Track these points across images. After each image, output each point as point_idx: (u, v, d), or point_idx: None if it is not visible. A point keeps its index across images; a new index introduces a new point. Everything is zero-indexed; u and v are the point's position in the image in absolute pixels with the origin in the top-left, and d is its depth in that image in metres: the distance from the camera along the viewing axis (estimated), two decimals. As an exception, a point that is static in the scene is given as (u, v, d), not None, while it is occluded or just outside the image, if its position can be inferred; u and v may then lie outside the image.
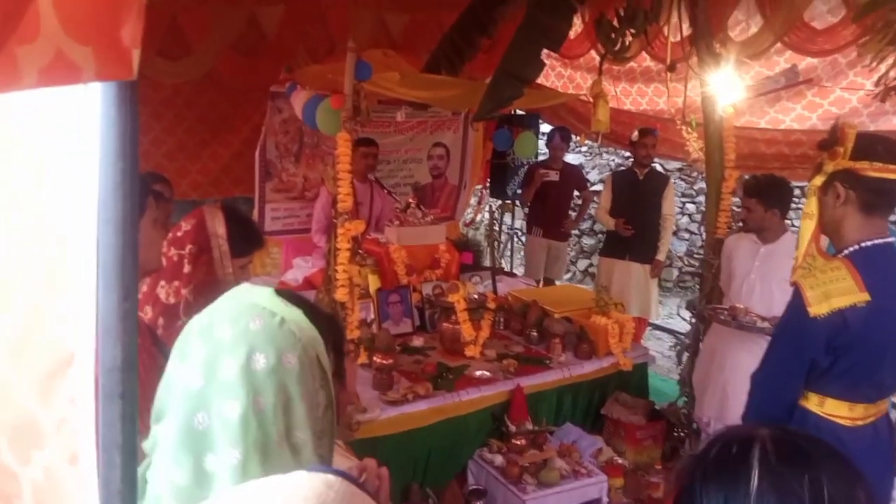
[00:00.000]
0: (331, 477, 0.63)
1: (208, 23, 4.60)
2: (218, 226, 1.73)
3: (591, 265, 8.02)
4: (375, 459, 1.06)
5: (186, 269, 1.64)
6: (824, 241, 1.82)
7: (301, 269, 4.21)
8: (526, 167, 5.85)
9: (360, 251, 3.73)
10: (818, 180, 1.75)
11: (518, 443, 3.20)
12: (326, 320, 0.93)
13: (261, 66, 4.86)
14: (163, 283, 1.64)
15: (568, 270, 7.55)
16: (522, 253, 7.35)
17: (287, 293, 0.90)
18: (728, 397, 3.18)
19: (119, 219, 0.77)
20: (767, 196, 3.11)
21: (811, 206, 1.77)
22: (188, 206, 4.57)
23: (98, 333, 0.80)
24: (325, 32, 5.01)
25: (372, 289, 3.73)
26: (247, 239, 1.80)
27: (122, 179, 0.77)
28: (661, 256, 4.95)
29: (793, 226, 3.88)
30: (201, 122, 5.04)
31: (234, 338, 0.80)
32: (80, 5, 0.65)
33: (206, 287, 1.63)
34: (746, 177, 3.60)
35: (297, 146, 5.04)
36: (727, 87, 3.43)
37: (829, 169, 1.72)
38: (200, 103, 5.02)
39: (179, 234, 1.71)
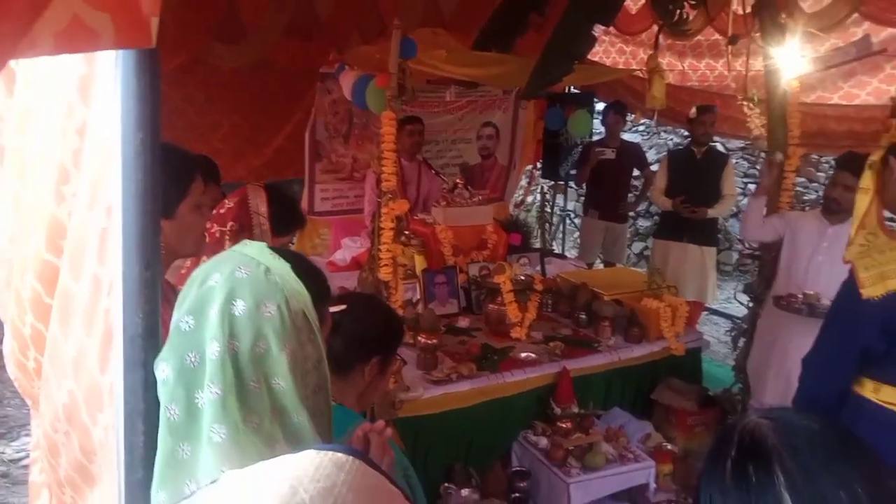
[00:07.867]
0: (341, 456, 0.62)
1: (264, 6, 4.66)
2: (260, 204, 1.76)
3: (646, 248, 7.81)
4: (385, 420, 1.11)
5: (227, 245, 1.68)
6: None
7: (349, 250, 4.26)
8: (579, 147, 5.71)
9: (406, 231, 3.74)
10: (876, 155, 1.68)
11: (563, 426, 3.15)
12: (317, 276, 0.97)
13: (314, 49, 4.90)
14: (205, 258, 1.67)
15: (622, 253, 7.36)
16: (575, 235, 7.22)
17: (281, 249, 0.94)
18: (792, 386, 3.03)
19: (140, 190, 0.78)
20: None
21: (867, 180, 1.70)
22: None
23: (122, 302, 0.82)
24: (376, 14, 5.01)
25: (418, 269, 3.73)
26: (288, 218, 1.83)
27: (142, 150, 0.77)
28: (713, 213, 4.65)
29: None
30: (256, 106, 5.12)
31: (221, 284, 0.85)
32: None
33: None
34: (813, 156, 3.42)
35: (346, 127, 5.07)
36: (792, 61, 3.24)
37: (884, 143, 1.65)
38: (255, 87, 5.09)
39: (223, 210, 1.75)
